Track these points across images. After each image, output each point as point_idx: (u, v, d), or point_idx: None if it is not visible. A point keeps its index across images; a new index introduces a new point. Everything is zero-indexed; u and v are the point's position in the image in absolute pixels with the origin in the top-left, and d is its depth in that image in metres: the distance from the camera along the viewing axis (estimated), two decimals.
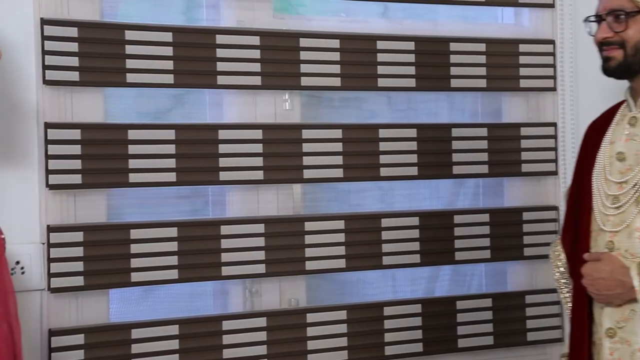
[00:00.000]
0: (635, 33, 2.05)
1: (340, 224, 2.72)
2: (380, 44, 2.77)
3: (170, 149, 2.53)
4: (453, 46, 2.86)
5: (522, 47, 2.95)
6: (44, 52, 2.38)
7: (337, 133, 2.72)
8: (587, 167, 2.17)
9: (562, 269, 2.26)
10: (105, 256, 2.45)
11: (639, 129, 2.10)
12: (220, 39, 2.59)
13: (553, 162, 2.99)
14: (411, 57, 2.81)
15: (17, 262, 2.32)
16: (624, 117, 2.15)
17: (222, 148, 2.59)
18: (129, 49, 2.48)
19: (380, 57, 2.77)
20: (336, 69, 2.72)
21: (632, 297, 2.01)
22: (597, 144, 2.16)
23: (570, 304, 2.24)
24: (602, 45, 2.09)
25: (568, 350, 2.23)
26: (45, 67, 2.39)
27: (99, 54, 2.46)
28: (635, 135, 2.10)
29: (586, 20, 2.13)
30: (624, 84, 2.18)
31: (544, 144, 2.97)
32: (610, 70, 2.10)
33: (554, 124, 2.99)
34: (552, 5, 3.00)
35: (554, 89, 3.00)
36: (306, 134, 2.69)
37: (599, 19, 2.09)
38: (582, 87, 2.94)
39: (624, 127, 2.13)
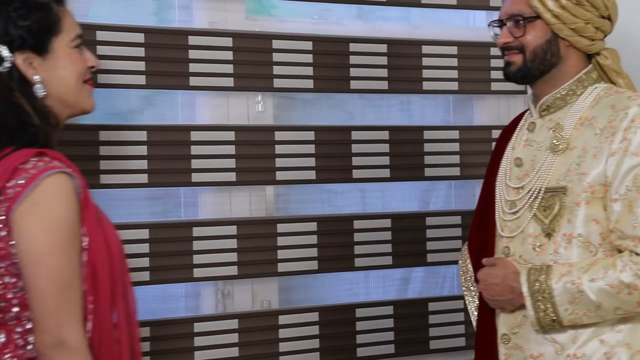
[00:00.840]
0: (534, 38, 2.03)
1: (312, 226, 2.72)
2: (353, 46, 2.78)
3: (142, 150, 2.52)
4: (425, 49, 2.88)
5: (494, 50, 2.96)
6: None
7: (310, 135, 2.72)
8: (494, 172, 2.17)
9: (468, 276, 2.24)
10: None
11: (537, 135, 2.09)
12: (192, 40, 2.58)
13: None
14: (383, 60, 2.82)
15: None
16: (526, 122, 2.15)
17: (195, 149, 2.58)
18: (101, 50, 2.47)
19: (353, 59, 2.78)
20: (309, 70, 2.72)
21: (521, 302, 1.98)
22: (503, 150, 2.17)
23: (475, 311, 2.21)
24: (503, 50, 2.09)
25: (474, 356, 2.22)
26: None
27: None
28: (533, 140, 2.09)
29: (490, 24, 2.12)
30: None
31: None
32: (510, 74, 2.09)
33: None
34: None
35: (524, 92, 3.02)
36: (279, 135, 2.68)
37: (500, 23, 2.08)
38: None
39: (524, 133, 2.13)
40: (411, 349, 2.84)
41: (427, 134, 2.89)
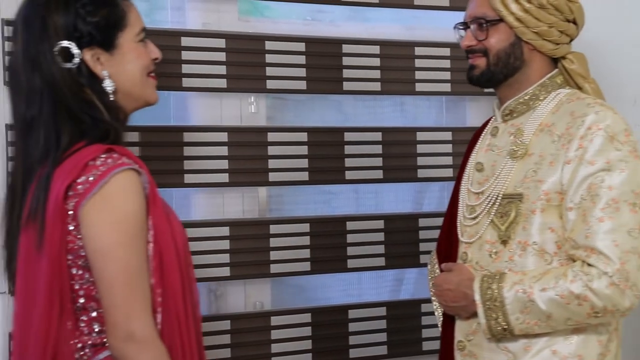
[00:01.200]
0: (497, 42, 2.01)
1: (305, 227, 2.72)
2: (346, 48, 2.78)
3: (135, 151, 2.51)
4: (418, 50, 2.88)
5: None
6: (6, 54, 2.36)
7: (303, 136, 2.72)
8: (461, 176, 2.16)
9: (434, 281, 2.19)
10: None
11: (499, 140, 2.07)
12: (185, 41, 2.58)
13: None
14: (377, 61, 2.82)
15: None
16: (490, 127, 2.13)
17: (187, 150, 2.58)
18: None
19: (346, 60, 2.78)
20: (302, 72, 2.72)
21: (475, 310, 1.95)
22: (470, 154, 2.16)
23: (442, 317, 2.18)
24: (467, 53, 2.07)
25: None
26: (6, 69, 2.35)
27: None
28: (494, 145, 2.08)
29: (455, 27, 2.10)
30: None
31: None
32: (474, 78, 2.06)
33: None
34: None
35: None
36: (272, 136, 2.68)
37: (465, 26, 2.07)
38: None
39: (487, 138, 2.12)
40: (404, 350, 2.85)
41: (420, 135, 2.89)
